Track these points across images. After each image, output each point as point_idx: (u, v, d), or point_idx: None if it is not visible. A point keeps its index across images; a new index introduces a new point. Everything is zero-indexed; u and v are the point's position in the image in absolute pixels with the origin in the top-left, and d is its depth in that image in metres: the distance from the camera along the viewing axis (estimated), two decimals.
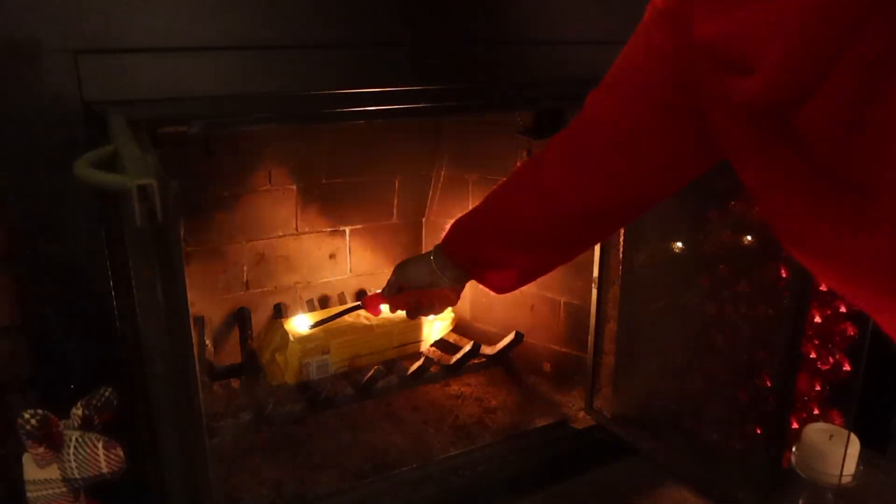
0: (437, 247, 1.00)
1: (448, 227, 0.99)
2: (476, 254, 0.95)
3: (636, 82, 0.72)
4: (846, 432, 1.15)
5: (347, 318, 1.64)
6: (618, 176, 0.78)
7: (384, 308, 1.09)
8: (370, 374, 1.58)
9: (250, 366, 1.63)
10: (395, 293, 1.06)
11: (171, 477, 0.95)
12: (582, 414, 1.58)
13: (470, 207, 1.01)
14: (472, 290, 1.86)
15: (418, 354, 1.68)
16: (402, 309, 1.06)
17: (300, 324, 1.62)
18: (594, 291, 1.49)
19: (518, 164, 0.86)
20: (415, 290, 1.03)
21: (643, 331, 1.44)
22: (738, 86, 0.53)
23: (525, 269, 0.94)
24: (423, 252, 1.03)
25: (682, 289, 1.35)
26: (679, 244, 1.34)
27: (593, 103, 0.79)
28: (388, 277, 1.05)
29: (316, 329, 1.56)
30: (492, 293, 0.98)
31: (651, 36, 0.68)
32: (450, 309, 1.79)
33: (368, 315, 1.66)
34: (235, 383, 1.64)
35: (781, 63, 0.48)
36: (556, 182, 0.83)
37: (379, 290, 1.09)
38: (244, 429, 1.49)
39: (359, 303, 1.13)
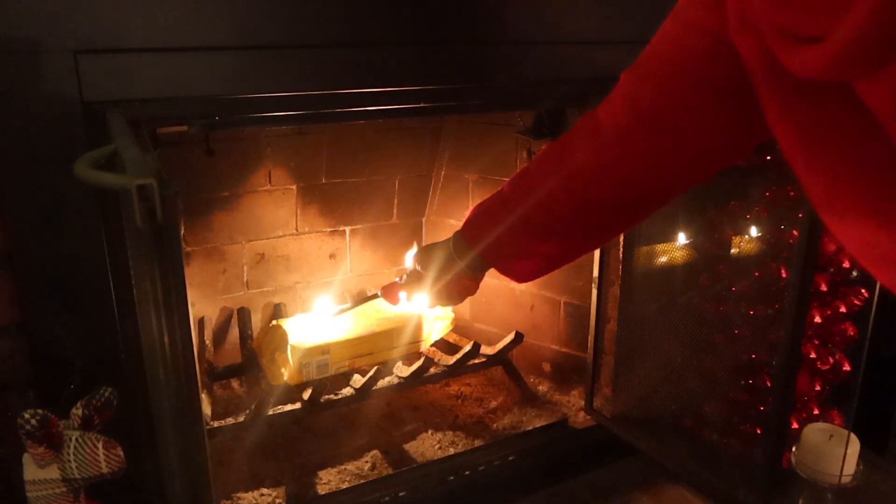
0: (457, 234, 0.97)
1: (469, 213, 0.96)
2: (498, 241, 0.91)
3: (674, 59, 0.69)
4: (846, 432, 1.15)
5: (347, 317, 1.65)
6: (649, 158, 0.74)
7: (403, 297, 1.08)
8: (370, 374, 1.58)
9: (250, 366, 1.63)
10: (414, 281, 1.03)
11: (170, 477, 0.95)
12: (582, 414, 1.58)
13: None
14: None
15: (418, 354, 1.68)
16: (421, 297, 1.04)
17: (299, 323, 1.62)
18: (594, 291, 1.49)
19: (542, 147, 0.84)
20: (433, 279, 1.00)
21: (643, 331, 1.44)
22: (800, 56, 0.49)
23: (550, 257, 0.90)
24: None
25: (682, 289, 1.35)
26: (679, 244, 1.34)
27: (626, 82, 0.76)
28: (408, 266, 1.04)
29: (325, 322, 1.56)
30: (485, 295, 0.97)
31: (691, 11, 0.66)
32: (450, 309, 1.80)
33: (369, 315, 1.67)
34: (235, 383, 1.64)
35: (854, 34, 0.44)
36: (584, 165, 0.79)
37: (398, 279, 1.06)
38: (244, 429, 1.49)
39: (377, 293, 1.12)
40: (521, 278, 0.94)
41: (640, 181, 0.77)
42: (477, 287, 1.01)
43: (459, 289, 1.00)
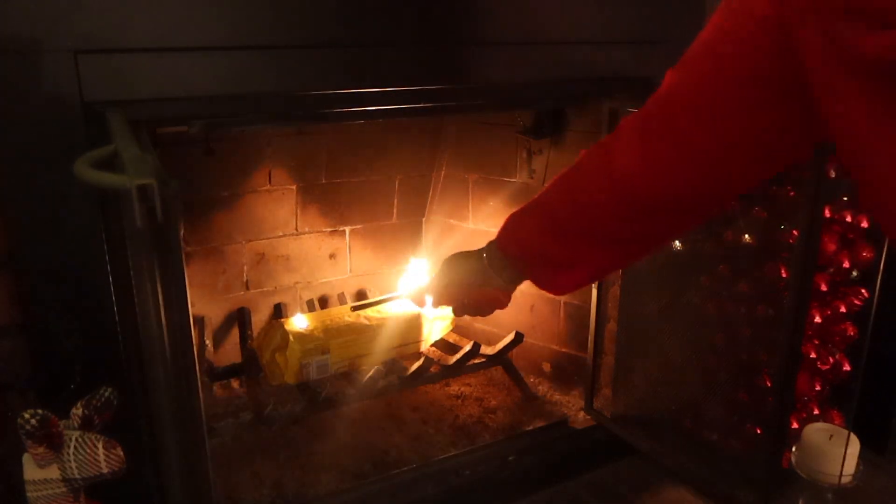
0: (491, 244, 0.91)
1: (504, 222, 0.90)
2: (538, 252, 0.85)
3: (724, 53, 0.66)
4: (846, 432, 1.15)
5: (347, 317, 1.65)
6: (701, 157, 0.70)
7: (429, 301, 1.04)
8: (370, 374, 1.58)
9: (250, 366, 1.63)
10: (441, 288, 0.98)
11: (170, 477, 0.95)
12: (582, 414, 1.58)
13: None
14: None
15: (418, 354, 1.68)
16: (448, 305, 0.99)
17: (300, 323, 1.62)
18: (594, 291, 1.49)
19: (581, 152, 0.81)
20: (463, 288, 0.95)
21: (643, 331, 1.44)
22: (872, 41, 0.47)
23: (593, 267, 0.85)
24: (476, 248, 0.96)
25: (682, 289, 1.35)
26: (679, 244, 1.34)
27: (674, 81, 0.72)
28: (437, 269, 0.99)
29: (311, 327, 1.56)
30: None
31: (744, 4, 0.63)
32: (450, 309, 1.80)
33: (368, 315, 1.67)
34: (235, 383, 1.64)
35: None
36: (631, 167, 0.74)
37: (425, 282, 1.02)
38: (244, 429, 1.49)
39: (404, 294, 1.08)
40: (561, 290, 0.90)
41: (686, 184, 0.73)
42: (508, 301, 0.96)
43: (490, 302, 0.96)
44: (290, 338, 1.54)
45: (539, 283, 0.89)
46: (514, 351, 1.74)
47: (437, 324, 1.75)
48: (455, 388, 1.71)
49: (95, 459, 0.86)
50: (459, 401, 1.66)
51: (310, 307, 1.75)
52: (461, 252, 0.97)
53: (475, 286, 0.94)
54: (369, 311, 1.68)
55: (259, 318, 1.70)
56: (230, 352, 1.68)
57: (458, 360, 1.66)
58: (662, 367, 1.42)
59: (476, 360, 1.71)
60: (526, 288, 1.50)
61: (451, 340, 1.77)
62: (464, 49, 1.17)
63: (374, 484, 1.34)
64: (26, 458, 0.86)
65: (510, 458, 1.43)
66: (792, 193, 1.17)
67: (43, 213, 0.93)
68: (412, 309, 1.71)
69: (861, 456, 1.17)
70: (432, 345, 1.75)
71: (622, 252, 0.84)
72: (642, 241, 0.83)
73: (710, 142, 0.69)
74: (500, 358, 1.73)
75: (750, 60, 0.64)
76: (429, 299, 1.03)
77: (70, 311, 0.97)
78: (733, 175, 0.73)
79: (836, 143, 0.57)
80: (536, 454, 1.46)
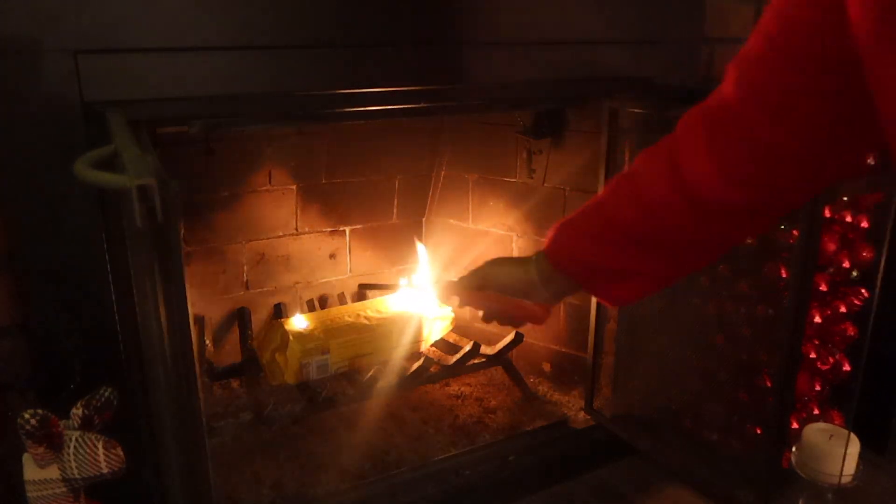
0: (541, 255, 0.85)
1: (553, 231, 0.84)
2: (598, 263, 0.80)
3: (793, 41, 0.63)
4: (846, 432, 1.15)
5: (347, 317, 1.65)
6: (774, 153, 0.67)
7: (452, 300, 0.98)
8: (370, 374, 1.58)
9: (250, 366, 1.63)
10: (475, 291, 0.92)
11: (170, 477, 0.95)
12: (582, 414, 1.58)
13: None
14: None
15: (418, 354, 1.68)
16: (479, 310, 0.93)
17: (300, 323, 1.62)
18: None
19: (639, 155, 0.78)
20: (500, 296, 0.89)
21: (643, 331, 1.44)
22: None
23: (659, 275, 0.81)
24: (521, 256, 0.92)
25: (682, 289, 1.35)
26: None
27: (737, 75, 0.68)
28: (473, 268, 0.93)
29: (311, 327, 1.56)
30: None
31: None
32: (450, 309, 1.80)
33: (369, 315, 1.67)
34: (235, 383, 1.64)
35: None
36: (701, 167, 0.70)
37: (457, 279, 0.95)
38: (244, 429, 1.49)
39: (436, 287, 1.01)
40: (621, 302, 0.85)
41: (757, 182, 0.69)
42: (547, 316, 0.90)
43: (528, 315, 0.89)
44: (290, 338, 1.55)
45: (597, 295, 0.85)
46: (514, 351, 1.74)
47: (437, 324, 1.75)
48: (455, 388, 1.71)
49: (95, 459, 0.86)
50: (459, 401, 1.66)
51: (310, 307, 1.75)
52: (505, 258, 0.92)
53: (516, 296, 0.88)
54: (369, 311, 1.69)
55: (259, 318, 1.70)
56: (230, 352, 1.68)
57: (458, 360, 1.66)
58: (662, 367, 1.42)
59: (476, 360, 1.71)
60: None
61: (451, 340, 1.77)
62: (464, 49, 1.17)
63: (374, 484, 1.34)
64: (26, 458, 0.86)
65: (510, 458, 1.43)
66: None
67: (43, 213, 0.93)
68: (412, 309, 1.72)
69: (861, 456, 1.17)
70: (432, 345, 1.75)
71: (689, 258, 0.80)
72: (711, 245, 0.78)
73: (781, 135, 0.66)
74: (500, 358, 1.74)
75: (814, 44, 0.61)
76: (452, 298, 0.97)
77: (70, 311, 0.97)
78: (807, 170, 0.69)
79: (882, 113, 0.54)
80: (536, 454, 1.46)
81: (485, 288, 0.90)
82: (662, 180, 0.73)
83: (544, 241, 0.84)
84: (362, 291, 1.84)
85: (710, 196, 0.70)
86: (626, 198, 0.77)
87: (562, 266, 0.83)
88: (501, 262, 0.91)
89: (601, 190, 0.84)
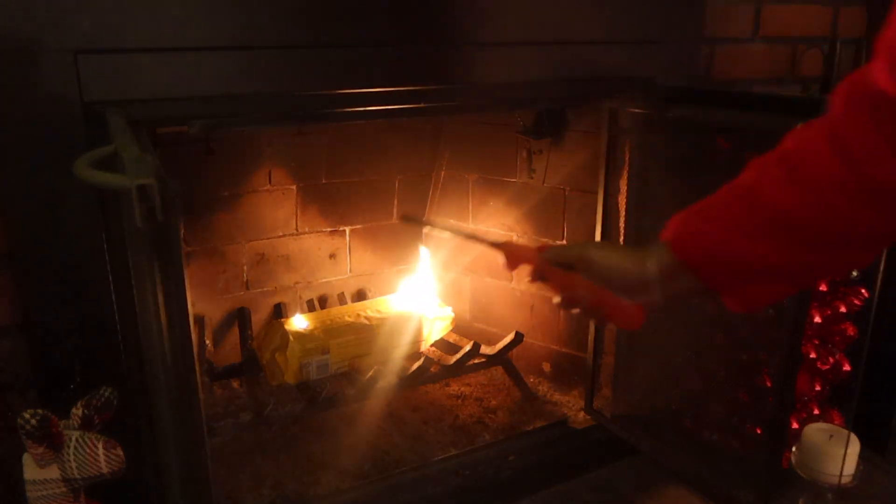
0: (662, 248, 0.74)
1: (678, 222, 0.73)
2: (740, 257, 0.69)
3: None
4: (846, 432, 1.15)
5: (347, 317, 1.65)
6: None
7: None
8: (370, 374, 1.58)
9: (250, 366, 1.63)
10: (559, 266, 0.80)
11: (170, 477, 0.95)
12: (582, 414, 1.58)
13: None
14: (472, 290, 1.86)
15: (418, 354, 1.68)
16: (559, 292, 0.81)
17: (300, 323, 1.62)
18: None
19: (787, 137, 0.69)
20: (592, 285, 0.77)
21: (643, 330, 1.44)
22: None
23: (804, 275, 0.71)
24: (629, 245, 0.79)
25: None
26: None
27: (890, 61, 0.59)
28: (563, 243, 0.84)
29: (312, 327, 1.56)
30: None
31: None
32: (449, 309, 1.81)
33: (369, 315, 1.67)
34: (235, 383, 1.64)
35: None
36: (869, 147, 0.62)
37: (535, 246, 0.83)
38: (244, 429, 1.49)
39: (498, 242, 0.85)
40: (749, 307, 0.73)
41: None
42: (644, 320, 0.80)
43: (622, 315, 0.79)
44: (290, 338, 1.55)
45: (728, 297, 0.73)
46: (514, 351, 1.74)
47: (437, 324, 1.75)
48: (455, 388, 1.71)
49: (95, 459, 0.86)
50: (459, 401, 1.66)
51: (310, 307, 1.75)
52: (610, 243, 0.83)
53: (616, 291, 0.77)
54: (369, 311, 1.69)
55: (259, 318, 1.70)
56: (230, 352, 1.68)
57: (458, 360, 1.66)
58: (662, 367, 1.42)
59: (476, 360, 1.71)
60: (526, 288, 1.48)
61: (451, 340, 1.77)
62: (464, 49, 1.17)
63: (374, 484, 1.34)
64: (26, 458, 0.86)
65: (510, 458, 1.43)
66: None
67: (43, 213, 0.93)
68: (412, 309, 1.72)
69: (861, 456, 1.17)
70: (432, 345, 1.75)
71: (851, 252, 0.68)
72: (874, 239, 0.68)
73: None
74: (500, 358, 1.74)
75: None
76: (523, 265, 0.84)
77: (70, 311, 0.97)
78: None
79: None
80: (536, 454, 1.46)
81: (578, 271, 0.78)
82: (827, 158, 0.64)
83: (664, 233, 0.73)
84: (362, 292, 1.84)
85: (885, 179, 0.62)
86: (780, 179, 0.66)
87: (693, 262, 0.71)
88: (608, 248, 0.79)
89: (723, 187, 0.71)
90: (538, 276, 0.82)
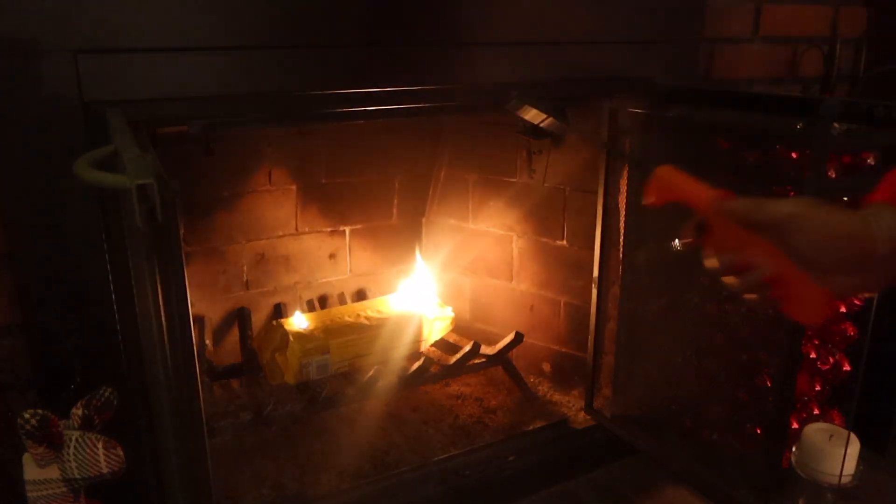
0: (878, 207, 0.58)
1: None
2: None
3: None
4: (846, 432, 1.15)
5: (347, 317, 1.65)
6: None
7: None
8: (370, 374, 1.58)
9: (250, 366, 1.63)
10: (746, 224, 0.63)
11: (170, 477, 0.95)
12: (582, 414, 1.58)
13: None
14: (472, 290, 1.86)
15: (418, 354, 1.68)
16: (723, 252, 0.66)
17: (300, 323, 1.62)
18: (594, 291, 1.49)
19: None
20: (780, 253, 0.60)
21: (643, 331, 1.44)
22: None
23: None
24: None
25: (682, 289, 1.35)
26: (678, 243, 1.34)
27: None
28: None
29: (312, 327, 1.56)
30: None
31: None
32: (449, 309, 1.80)
33: (369, 315, 1.67)
34: (235, 383, 1.64)
35: None
36: None
37: (713, 191, 0.65)
38: (244, 429, 1.48)
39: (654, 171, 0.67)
40: None
41: None
42: (828, 314, 0.67)
43: (812, 303, 0.63)
44: (290, 338, 1.54)
45: None
46: (514, 351, 1.73)
47: (437, 324, 1.75)
48: (455, 388, 1.71)
49: (95, 459, 0.86)
50: (459, 401, 1.66)
51: (310, 307, 1.75)
52: (815, 202, 0.60)
53: (820, 266, 0.59)
54: (369, 311, 1.69)
55: (259, 318, 1.70)
56: (230, 352, 1.67)
57: (458, 360, 1.66)
58: (662, 367, 1.42)
59: (476, 360, 1.71)
60: (526, 288, 1.48)
61: (451, 340, 1.77)
62: (464, 49, 1.17)
63: (374, 484, 1.34)
64: (26, 458, 0.86)
65: (510, 458, 1.43)
66: (792, 193, 1.17)
67: (43, 213, 0.93)
68: (412, 309, 1.71)
69: (861, 456, 1.17)
70: (432, 345, 1.75)
71: None
72: None
73: None
74: (500, 358, 1.73)
75: None
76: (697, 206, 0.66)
77: (70, 310, 0.97)
78: None
79: None
80: (536, 454, 1.46)
81: (769, 236, 0.61)
82: None
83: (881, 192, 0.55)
84: (361, 292, 1.84)
85: None
86: None
87: None
88: (825, 206, 0.59)
89: None
90: (700, 227, 0.65)
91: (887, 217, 0.56)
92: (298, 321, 1.63)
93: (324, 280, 1.78)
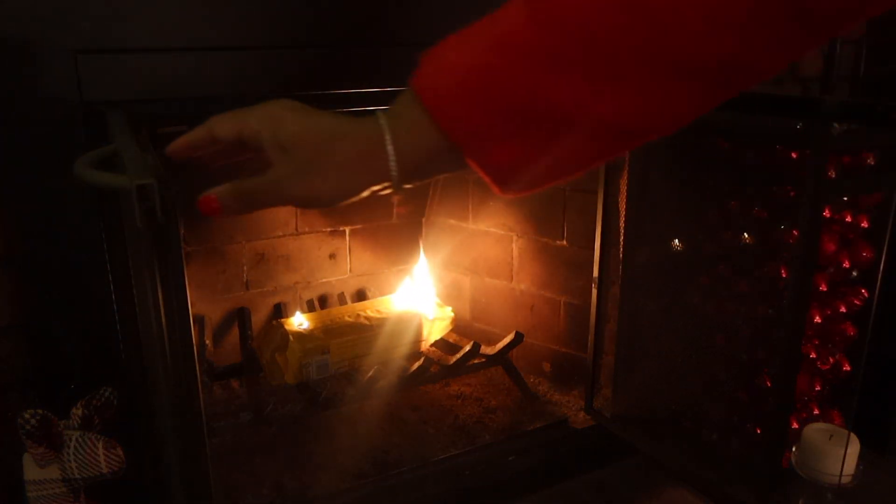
0: (405, 97, 0.55)
1: (436, 54, 0.55)
2: (506, 101, 0.50)
3: None
4: (846, 432, 1.15)
5: (347, 317, 1.65)
6: None
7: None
8: (370, 374, 1.58)
9: (250, 366, 1.63)
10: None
11: (170, 477, 0.95)
12: (582, 414, 1.58)
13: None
14: (472, 290, 1.86)
15: (418, 354, 1.68)
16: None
17: (300, 323, 1.62)
18: (594, 291, 1.49)
19: None
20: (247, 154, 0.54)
21: (643, 331, 1.44)
22: None
23: (609, 133, 0.50)
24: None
25: (682, 289, 1.35)
26: (679, 244, 1.34)
27: None
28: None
29: (312, 327, 1.56)
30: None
31: None
32: (449, 309, 1.80)
33: (369, 315, 1.67)
34: (235, 383, 1.64)
35: None
36: None
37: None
38: (244, 429, 1.49)
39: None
40: (499, 174, 0.56)
41: None
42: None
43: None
44: (290, 338, 1.54)
45: (484, 163, 0.55)
46: (514, 351, 1.74)
47: (437, 324, 1.75)
48: (455, 388, 1.71)
49: (95, 459, 0.86)
50: (459, 401, 1.66)
51: (310, 307, 1.75)
52: (298, 103, 0.57)
53: (319, 172, 0.56)
54: (369, 311, 1.69)
55: (259, 318, 1.70)
56: (230, 352, 1.68)
57: (458, 360, 1.66)
58: (662, 366, 1.42)
59: (476, 360, 1.71)
60: (526, 288, 1.48)
61: (451, 340, 1.77)
62: None
63: (374, 484, 1.34)
64: (26, 458, 0.86)
65: (510, 459, 1.43)
66: (792, 193, 1.17)
67: (43, 213, 0.93)
68: (412, 309, 1.71)
69: (861, 456, 1.17)
70: (432, 345, 1.75)
71: (678, 92, 0.47)
72: (723, 73, 0.46)
73: None
74: (500, 358, 1.73)
75: None
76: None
77: (70, 311, 0.97)
78: None
79: None
80: (537, 454, 1.46)
81: (250, 145, 0.56)
82: None
83: (413, 80, 0.54)
84: (361, 292, 1.84)
85: None
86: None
87: (444, 112, 0.51)
88: (306, 107, 0.57)
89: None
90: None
91: (396, 112, 0.53)
92: (298, 321, 1.63)
93: (324, 280, 1.78)
